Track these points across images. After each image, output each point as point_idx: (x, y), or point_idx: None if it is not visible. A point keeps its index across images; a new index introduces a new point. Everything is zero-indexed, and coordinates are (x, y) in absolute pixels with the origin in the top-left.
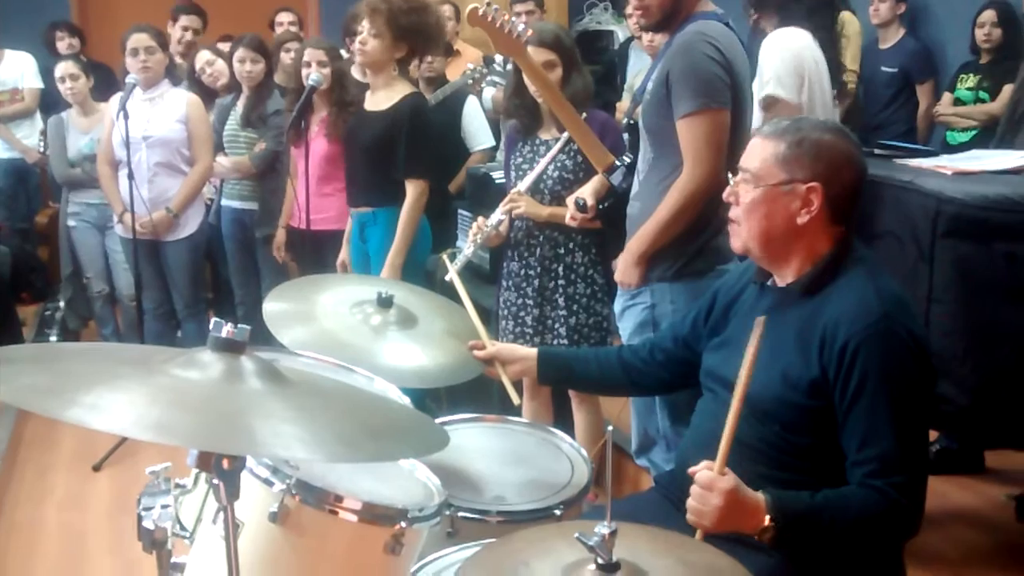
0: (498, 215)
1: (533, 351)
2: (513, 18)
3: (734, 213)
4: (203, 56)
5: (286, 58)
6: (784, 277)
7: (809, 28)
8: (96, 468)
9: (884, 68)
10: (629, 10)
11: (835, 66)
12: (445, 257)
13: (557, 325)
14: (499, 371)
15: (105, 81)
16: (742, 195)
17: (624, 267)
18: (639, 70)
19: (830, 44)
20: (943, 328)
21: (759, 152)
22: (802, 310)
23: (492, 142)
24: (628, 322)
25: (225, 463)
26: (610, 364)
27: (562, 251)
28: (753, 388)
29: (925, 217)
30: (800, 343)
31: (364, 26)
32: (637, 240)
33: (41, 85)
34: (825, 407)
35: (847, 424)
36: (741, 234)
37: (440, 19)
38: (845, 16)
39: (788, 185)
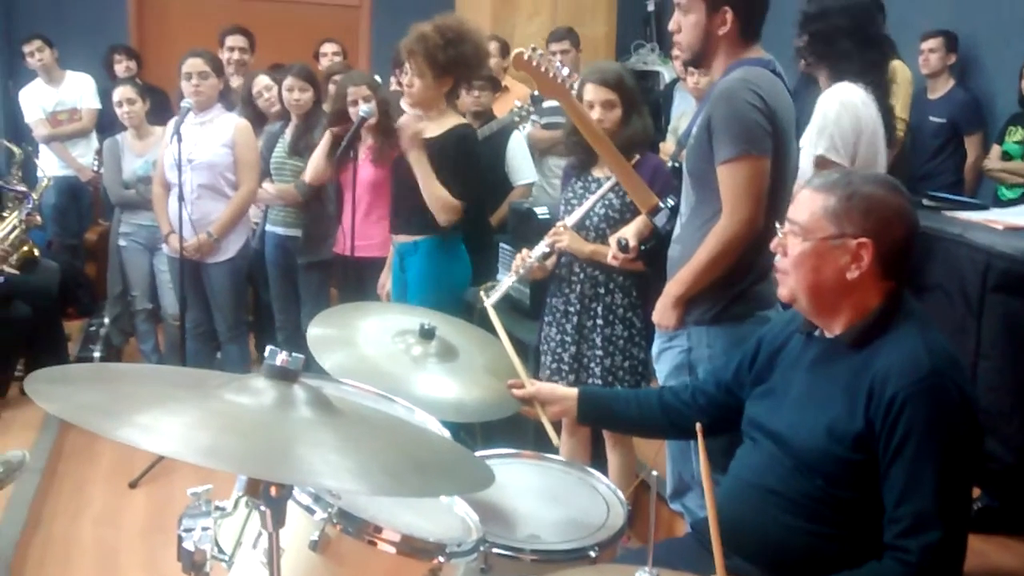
0: (542, 248)
1: (573, 391)
2: (557, 62)
3: (781, 264)
4: (261, 81)
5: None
6: (831, 329)
7: (862, 83)
8: (132, 485)
9: (932, 118)
10: (675, 51)
11: (887, 117)
12: (483, 293)
13: (593, 365)
14: (539, 412)
15: (160, 104)
16: (790, 247)
17: (662, 309)
18: (682, 112)
19: (882, 96)
20: (990, 384)
21: (808, 204)
22: (849, 362)
23: (534, 177)
24: (664, 364)
25: (273, 491)
26: (650, 405)
27: (602, 291)
28: (798, 441)
29: (975, 271)
30: (847, 396)
31: (406, 67)
32: (675, 283)
33: (99, 106)
34: (869, 461)
35: (887, 478)
36: (789, 284)
37: (479, 44)
38: (895, 64)
39: (838, 240)
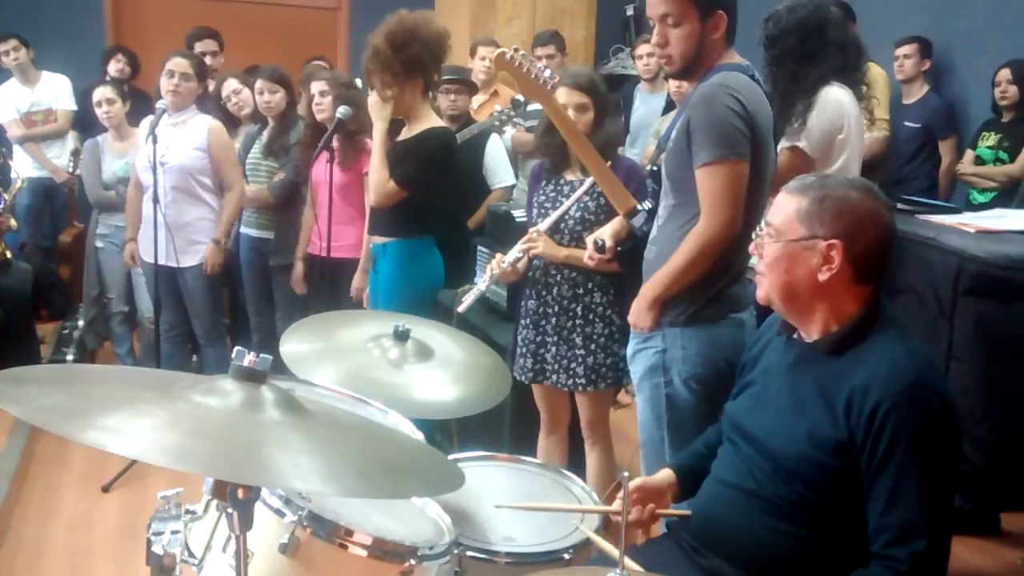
0: (515, 253)
1: (668, 474)
2: (540, 64)
3: (759, 266)
4: (230, 84)
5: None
6: (809, 333)
7: (842, 85)
8: (105, 489)
9: (907, 123)
10: (639, 51)
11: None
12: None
13: (575, 365)
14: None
15: (141, 106)
16: (766, 249)
17: (637, 310)
18: (643, 113)
19: (858, 99)
20: (962, 387)
21: (783, 207)
22: (827, 368)
23: (513, 180)
24: (639, 365)
25: (240, 492)
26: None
27: (581, 291)
28: (777, 445)
29: (947, 274)
30: (825, 401)
31: (376, 85)
32: (651, 285)
33: (74, 107)
34: (850, 468)
35: (872, 488)
36: (764, 286)
37: (431, 37)
38: (870, 65)
39: (809, 241)
